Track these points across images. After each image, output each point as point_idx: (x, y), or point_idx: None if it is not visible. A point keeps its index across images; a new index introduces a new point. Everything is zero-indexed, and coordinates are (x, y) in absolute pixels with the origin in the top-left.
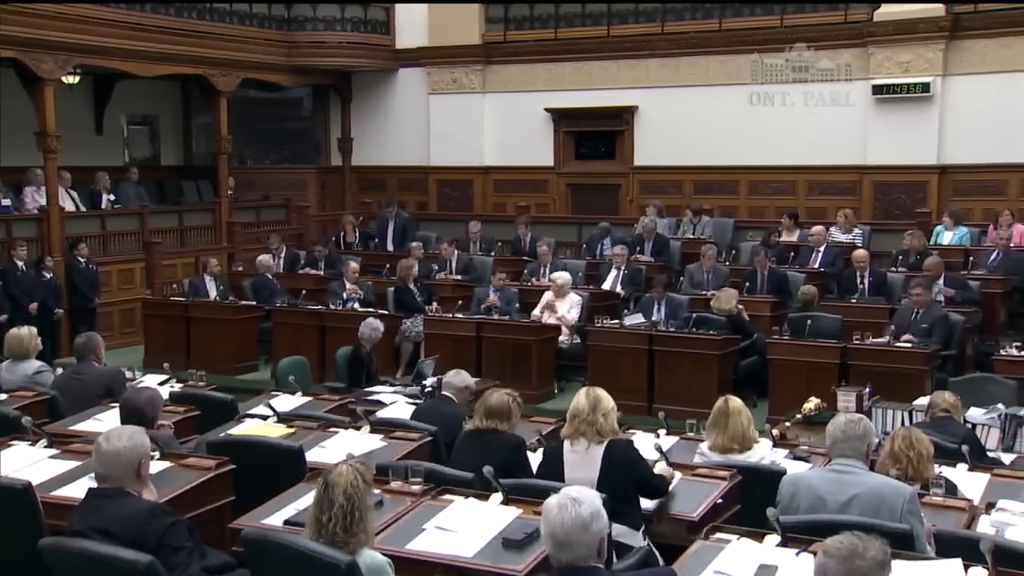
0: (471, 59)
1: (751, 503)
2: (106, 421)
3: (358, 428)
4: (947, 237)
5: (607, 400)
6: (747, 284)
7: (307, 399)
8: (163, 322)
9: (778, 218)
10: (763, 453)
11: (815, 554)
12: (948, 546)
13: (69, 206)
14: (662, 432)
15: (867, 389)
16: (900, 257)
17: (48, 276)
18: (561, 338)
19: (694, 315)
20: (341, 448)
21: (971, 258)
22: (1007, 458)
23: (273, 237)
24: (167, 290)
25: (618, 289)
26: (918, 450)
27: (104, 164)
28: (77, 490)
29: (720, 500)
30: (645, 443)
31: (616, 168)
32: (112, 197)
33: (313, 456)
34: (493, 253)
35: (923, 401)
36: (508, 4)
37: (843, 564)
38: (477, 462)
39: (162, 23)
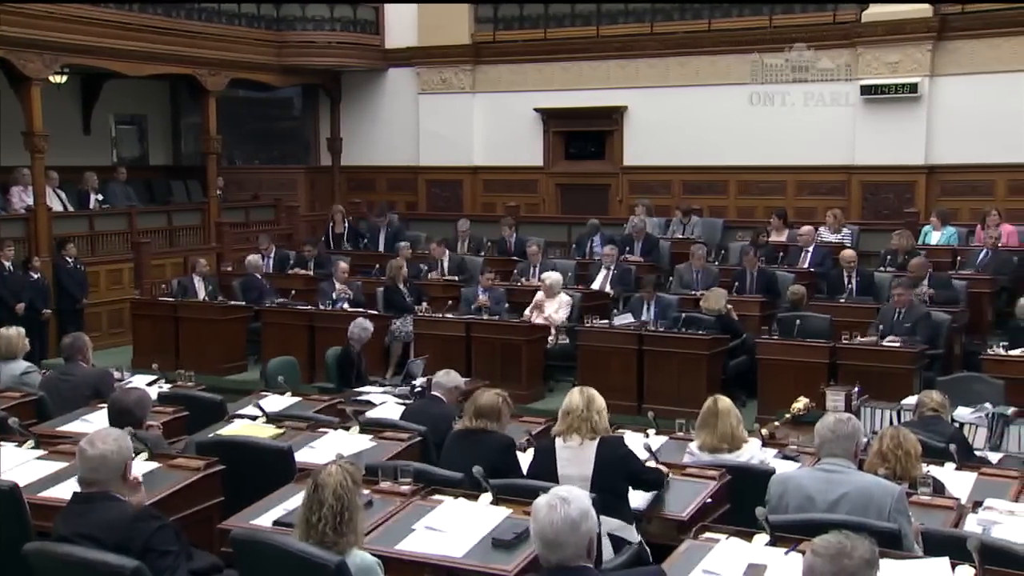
0: (460, 59)
1: (740, 502)
2: (94, 422)
3: (347, 428)
4: (935, 237)
5: (599, 399)
6: (736, 284)
7: (296, 399)
8: (152, 322)
9: (767, 218)
10: (752, 452)
11: (804, 553)
12: (936, 545)
13: (57, 206)
14: (651, 432)
15: (856, 388)
16: (888, 257)
17: (36, 276)
18: (548, 338)
19: (683, 315)
20: (330, 448)
21: (959, 258)
22: (994, 457)
23: (262, 237)
24: (156, 290)
25: (607, 289)
26: (906, 449)
27: (92, 164)
28: (64, 491)
29: (709, 499)
30: (635, 443)
31: (605, 168)
32: (100, 197)
33: (302, 456)
34: (483, 253)
35: (911, 400)
36: (497, 4)
37: (831, 563)
38: (467, 462)
39: (150, 22)
